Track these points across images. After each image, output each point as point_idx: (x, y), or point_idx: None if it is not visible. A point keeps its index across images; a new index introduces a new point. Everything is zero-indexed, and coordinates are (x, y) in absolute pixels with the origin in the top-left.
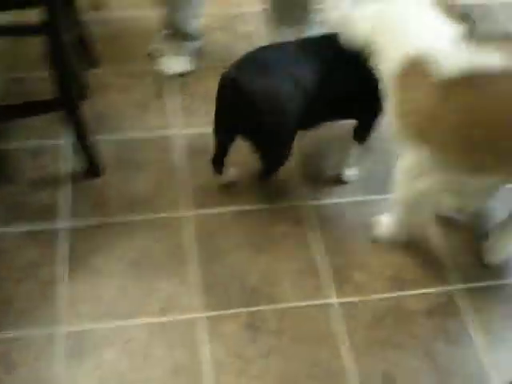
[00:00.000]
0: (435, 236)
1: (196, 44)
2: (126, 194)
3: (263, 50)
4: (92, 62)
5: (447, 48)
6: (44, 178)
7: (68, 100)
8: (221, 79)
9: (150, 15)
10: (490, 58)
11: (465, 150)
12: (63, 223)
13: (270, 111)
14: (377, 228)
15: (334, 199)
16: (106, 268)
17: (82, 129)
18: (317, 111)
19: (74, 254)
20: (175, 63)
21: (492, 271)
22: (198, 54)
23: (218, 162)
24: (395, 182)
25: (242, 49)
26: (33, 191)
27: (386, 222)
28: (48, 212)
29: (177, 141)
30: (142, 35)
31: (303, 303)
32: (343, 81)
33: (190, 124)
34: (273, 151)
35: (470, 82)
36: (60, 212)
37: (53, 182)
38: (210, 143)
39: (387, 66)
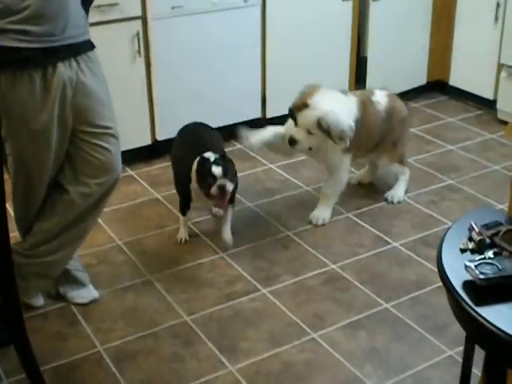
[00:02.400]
0: None
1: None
2: None
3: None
4: None
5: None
6: None
7: (21, 337)
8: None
9: None
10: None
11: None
12: None
13: None
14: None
15: None
16: None
17: (32, 360)
18: None
19: None
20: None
21: None
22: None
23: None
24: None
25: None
26: None
27: (322, 213)
28: None
29: (103, 354)
30: None
31: None
32: None
33: (109, 340)
34: None
35: None
36: None
37: None
38: None
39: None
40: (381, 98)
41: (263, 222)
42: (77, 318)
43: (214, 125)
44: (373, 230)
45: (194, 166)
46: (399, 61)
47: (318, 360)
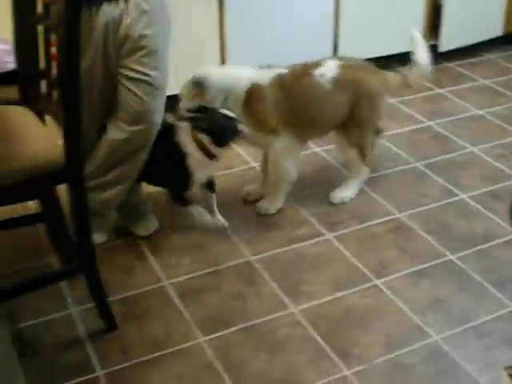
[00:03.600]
0: None
1: None
2: (144, 337)
3: None
4: None
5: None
6: (66, 343)
7: (91, 265)
8: None
9: None
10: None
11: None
12: (99, 372)
13: None
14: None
15: None
16: None
17: (100, 289)
18: None
19: None
20: None
21: None
22: None
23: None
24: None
25: None
26: (60, 356)
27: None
28: (82, 367)
29: (169, 288)
30: None
31: None
32: None
33: (174, 275)
34: None
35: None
36: (93, 364)
37: (76, 343)
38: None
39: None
40: (329, 70)
41: (330, 168)
42: (144, 253)
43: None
44: (440, 180)
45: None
46: (475, 10)
47: (379, 307)
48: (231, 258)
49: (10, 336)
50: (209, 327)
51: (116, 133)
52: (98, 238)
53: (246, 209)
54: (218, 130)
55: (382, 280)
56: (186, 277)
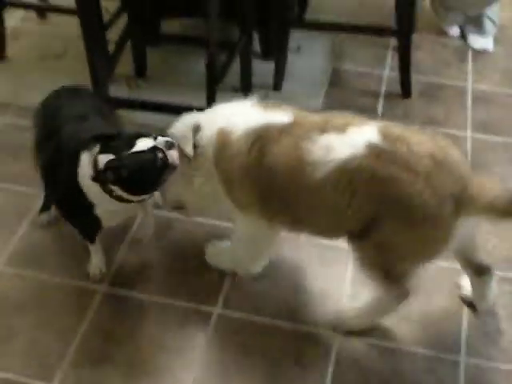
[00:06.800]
0: None
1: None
2: (427, 115)
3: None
4: None
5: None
6: (367, 90)
7: (406, 31)
8: None
9: None
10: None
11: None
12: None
13: None
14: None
15: None
16: None
17: (407, 59)
18: None
19: None
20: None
21: None
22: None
23: None
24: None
25: None
26: (357, 96)
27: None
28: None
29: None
30: None
31: None
32: None
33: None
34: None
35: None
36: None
37: (374, 94)
38: None
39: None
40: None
41: None
42: None
43: None
44: None
45: (86, 167)
46: None
47: None
48: None
49: None
50: None
51: None
52: None
53: None
54: (134, 181)
55: None
56: None
